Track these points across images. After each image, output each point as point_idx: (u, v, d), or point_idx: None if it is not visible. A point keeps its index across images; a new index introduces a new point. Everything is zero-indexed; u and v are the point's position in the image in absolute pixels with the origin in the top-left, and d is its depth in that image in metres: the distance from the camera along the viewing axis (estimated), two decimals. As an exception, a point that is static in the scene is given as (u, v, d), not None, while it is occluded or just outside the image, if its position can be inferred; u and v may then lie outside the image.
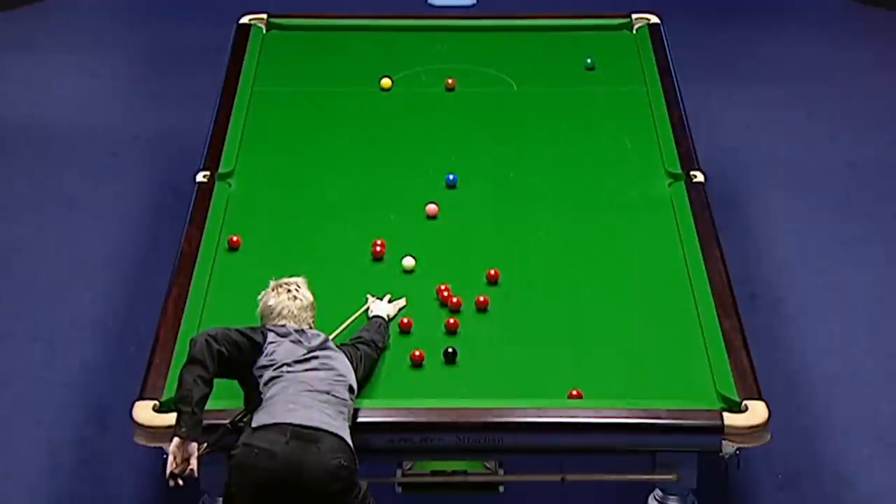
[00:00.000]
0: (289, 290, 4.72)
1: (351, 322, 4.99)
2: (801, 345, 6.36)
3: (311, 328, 4.70)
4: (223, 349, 4.43)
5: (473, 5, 9.11)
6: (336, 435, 4.37)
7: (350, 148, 6.15)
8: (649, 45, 6.79)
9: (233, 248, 5.45)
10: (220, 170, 5.85)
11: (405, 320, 5.06)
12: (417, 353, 4.92)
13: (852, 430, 5.91)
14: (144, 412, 4.63)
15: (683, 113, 6.28)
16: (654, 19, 6.99)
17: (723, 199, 6.87)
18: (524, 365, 4.93)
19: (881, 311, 6.59)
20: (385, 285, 5.26)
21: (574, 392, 4.76)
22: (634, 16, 7.02)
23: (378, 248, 5.42)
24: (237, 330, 4.51)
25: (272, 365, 4.50)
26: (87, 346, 6.29)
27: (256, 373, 4.50)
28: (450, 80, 6.54)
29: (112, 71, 8.55)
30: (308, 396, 4.43)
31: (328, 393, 4.46)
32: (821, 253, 6.96)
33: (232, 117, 6.23)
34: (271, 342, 4.56)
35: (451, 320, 5.07)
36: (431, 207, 5.67)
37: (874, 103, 8.18)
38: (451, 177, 5.84)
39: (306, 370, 4.50)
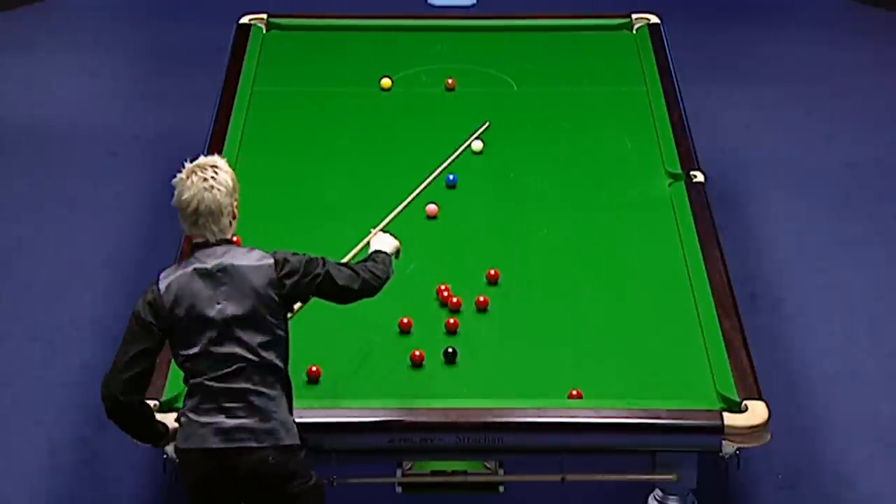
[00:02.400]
0: (204, 179, 4.26)
1: (352, 256, 4.85)
2: (801, 345, 6.36)
3: (234, 218, 4.34)
4: (138, 396, 4.29)
5: (473, 5, 9.11)
6: (261, 446, 4.26)
7: (350, 148, 6.15)
8: (649, 45, 6.80)
9: (233, 248, 5.44)
10: (220, 170, 5.85)
11: (405, 320, 5.06)
12: (417, 353, 4.92)
13: (852, 430, 5.91)
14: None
15: (683, 113, 6.28)
16: (654, 19, 6.99)
17: (723, 199, 6.87)
18: (524, 365, 4.93)
19: (881, 311, 6.59)
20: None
21: (574, 392, 4.76)
22: (634, 16, 7.02)
23: (378, 248, 5.42)
24: (131, 358, 4.25)
25: (185, 355, 4.29)
26: (87, 346, 6.29)
27: (175, 355, 4.35)
28: (450, 80, 6.54)
29: (112, 71, 8.55)
30: (228, 395, 4.25)
31: (251, 381, 4.25)
32: (821, 253, 6.96)
33: (232, 117, 6.23)
34: (169, 328, 4.24)
35: (451, 320, 5.07)
36: (431, 207, 5.67)
37: (874, 103, 8.18)
38: (451, 177, 5.84)
39: (222, 360, 4.25)
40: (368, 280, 4.45)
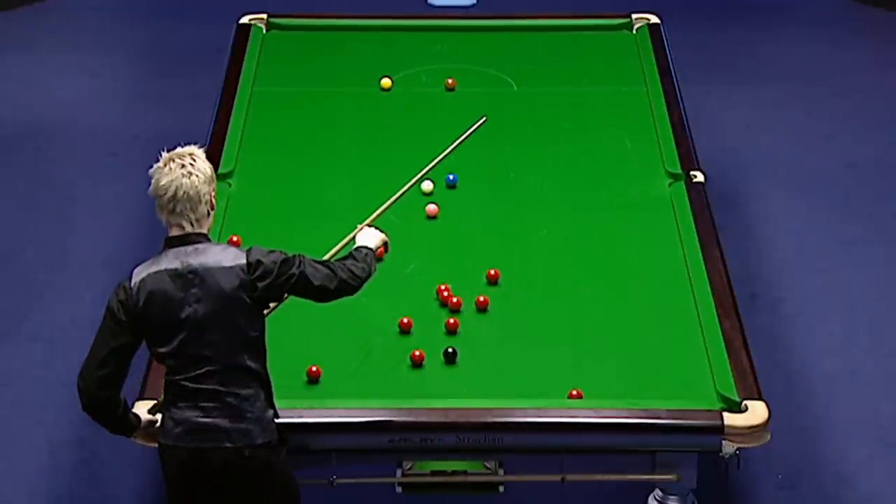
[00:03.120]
0: (182, 166, 4.21)
1: (337, 251, 4.76)
2: (801, 345, 6.36)
3: (212, 209, 4.29)
4: (114, 392, 4.32)
5: (473, 5, 9.11)
6: (235, 446, 4.27)
7: (350, 148, 6.15)
8: (649, 45, 6.79)
9: (233, 248, 5.44)
10: (220, 170, 5.85)
11: (405, 320, 5.05)
12: (417, 353, 4.92)
13: (852, 430, 5.91)
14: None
15: (683, 113, 6.28)
16: (654, 19, 6.99)
17: (723, 199, 6.87)
18: (524, 365, 4.93)
19: (881, 311, 6.59)
20: (385, 285, 5.26)
21: (574, 392, 4.76)
22: (634, 16, 7.02)
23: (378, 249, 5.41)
24: (107, 354, 4.27)
25: (159, 353, 4.28)
26: (87, 346, 6.24)
27: (152, 351, 4.35)
28: (450, 80, 6.54)
29: (112, 71, 8.55)
30: (201, 396, 4.24)
31: (222, 383, 4.24)
32: (821, 253, 6.96)
33: (232, 117, 6.23)
34: (141, 326, 4.22)
35: (451, 320, 5.07)
36: (431, 207, 5.67)
37: (874, 103, 8.18)
38: (451, 177, 5.84)
39: (193, 361, 4.23)
40: (346, 280, 4.38)
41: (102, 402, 4.32)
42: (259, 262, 4.24)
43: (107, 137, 7.81)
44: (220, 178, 5.80)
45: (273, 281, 4.25)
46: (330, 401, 4.71)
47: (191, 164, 4.24)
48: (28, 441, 5.85)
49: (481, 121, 5.14)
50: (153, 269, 4.26)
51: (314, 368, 4.83)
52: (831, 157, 7.69)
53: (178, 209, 4.24)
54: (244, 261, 4.24)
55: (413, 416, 4.65)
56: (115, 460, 5.70)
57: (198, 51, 8.52)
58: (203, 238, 4.28)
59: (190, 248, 4.24)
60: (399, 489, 4.84)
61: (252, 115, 6.30)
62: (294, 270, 4.28)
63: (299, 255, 4.34)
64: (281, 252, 4.31)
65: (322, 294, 4.36)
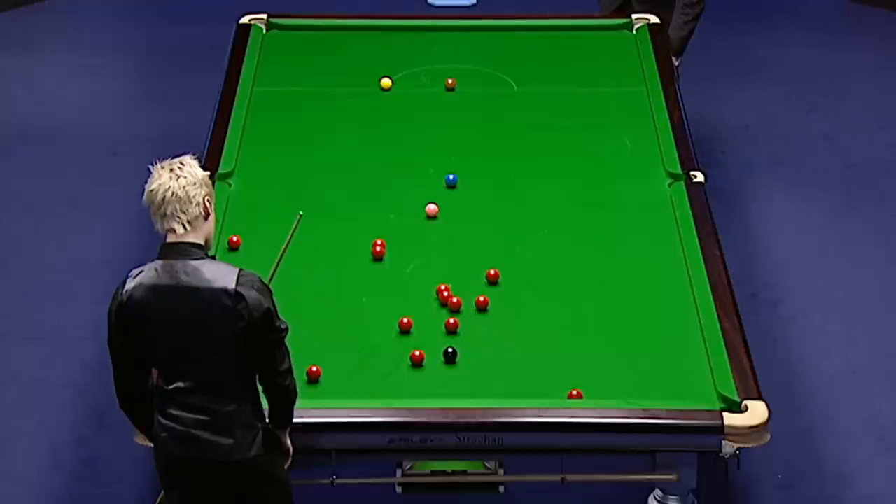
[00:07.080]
0: (171, 170, 4.19)
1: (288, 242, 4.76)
2: (801, 345, 6.36)
3: (208, 215, 4.26)
4: (139, 387, 4.35)
5: (473, 5, 9.11)
6: (223, 460, 4.29)
7: (350, 148, 6.14)
8: (649, 45, 6.79)
9: (233, 248, 5.45)
10: (220, 170, 5.85)
11: (405, 320, 5.05)
12: (417, 353, 4.91)
13: (852, 430, 5.91)
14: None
15: (683, 113, 6.28)
16: (654, 19, 6.98)
17: (723, 199, 6.87)
18: (524, 365, 4.92)
19: (881, 311, 6.59)
20: (385, 285, 5.26)
21: (574, 392, 4.76)
22: (634, 16, 7.01)
23: (378, 249, 5.42)
24: (117, 362, 4.33)
25: (151, 358, 4.31)
26: (87, 346, 6.29)
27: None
28: (450, 80, 6.54)
29: (112, 71, 8.55)
30: (187, 408, 4.26)
31: (206, 400, 4.25)
32: (821, 253, 6.96)
33: (232, 117, 6.23)
34: (137, 332, 4.23)
35: (451, 320, 5.06)
36: (431, 207, 5.67)
37: (874, 103, 8.18)
38: (451, 177, 5.84)
39: (179, 375, 4.25)
40: (292, 375, 4.33)
41: (138, 408, 4.40)
42: (241, 295, 4.19)
43: (107, 137, 7.81)
44: (221, 178, 5.81)
45: (252, 319, 4.19)
46: (330, 401, 4.71)
47: (179, 168, 4.23)
48: (29, 441, 5.85)
49: (298, 217, 4.85)
50: (146, 280, 4.24)
51: (314, 368, 4.83)
52: (831, 157, 7.69)
53: (168, 211, 4.21)
54: (233, 286, 4.19)
55: (413, 416, 4.65)
56: (117, 460, 5.70)
57: (198, 51, 8.52)
58: (199, 250, 4.24)
59: (182, 263, 4.22)
60: (399, 489, 4.84)
61: (252, 115, 6.29)
62: (280, 325, 4.27)
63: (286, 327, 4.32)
64: (274, 306, 4.27)
65: (275, 365, 4.29)
